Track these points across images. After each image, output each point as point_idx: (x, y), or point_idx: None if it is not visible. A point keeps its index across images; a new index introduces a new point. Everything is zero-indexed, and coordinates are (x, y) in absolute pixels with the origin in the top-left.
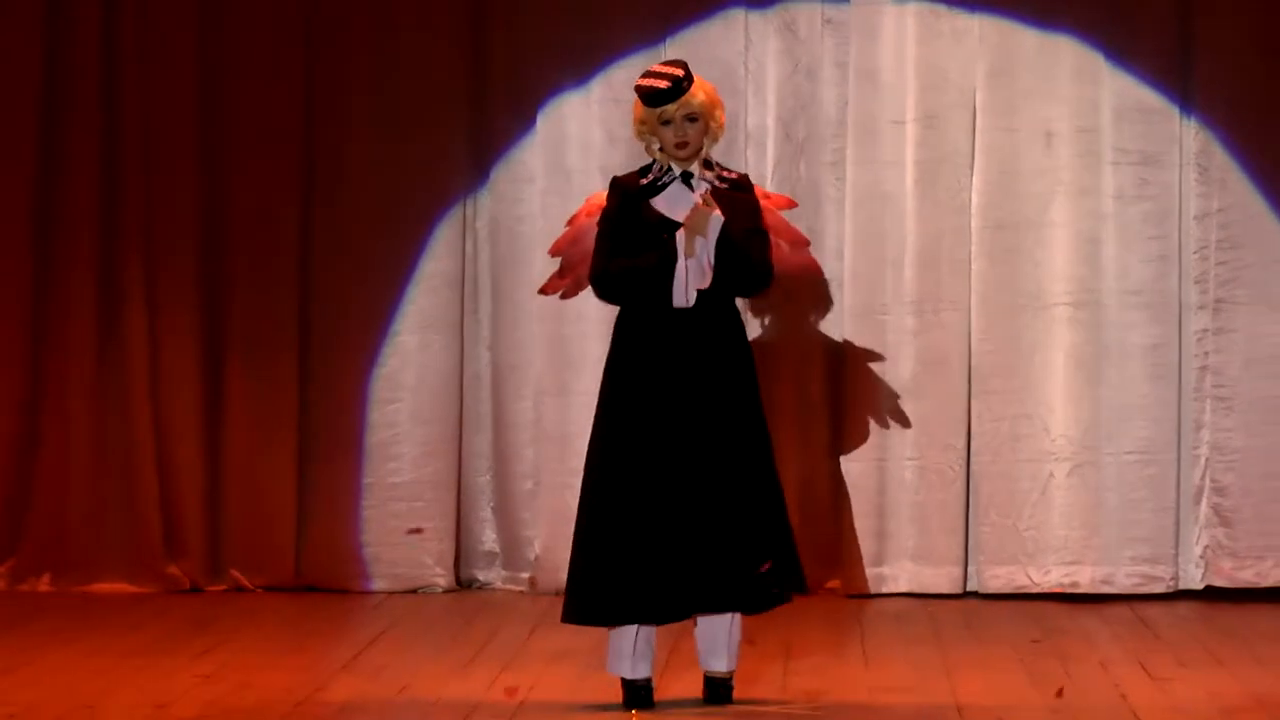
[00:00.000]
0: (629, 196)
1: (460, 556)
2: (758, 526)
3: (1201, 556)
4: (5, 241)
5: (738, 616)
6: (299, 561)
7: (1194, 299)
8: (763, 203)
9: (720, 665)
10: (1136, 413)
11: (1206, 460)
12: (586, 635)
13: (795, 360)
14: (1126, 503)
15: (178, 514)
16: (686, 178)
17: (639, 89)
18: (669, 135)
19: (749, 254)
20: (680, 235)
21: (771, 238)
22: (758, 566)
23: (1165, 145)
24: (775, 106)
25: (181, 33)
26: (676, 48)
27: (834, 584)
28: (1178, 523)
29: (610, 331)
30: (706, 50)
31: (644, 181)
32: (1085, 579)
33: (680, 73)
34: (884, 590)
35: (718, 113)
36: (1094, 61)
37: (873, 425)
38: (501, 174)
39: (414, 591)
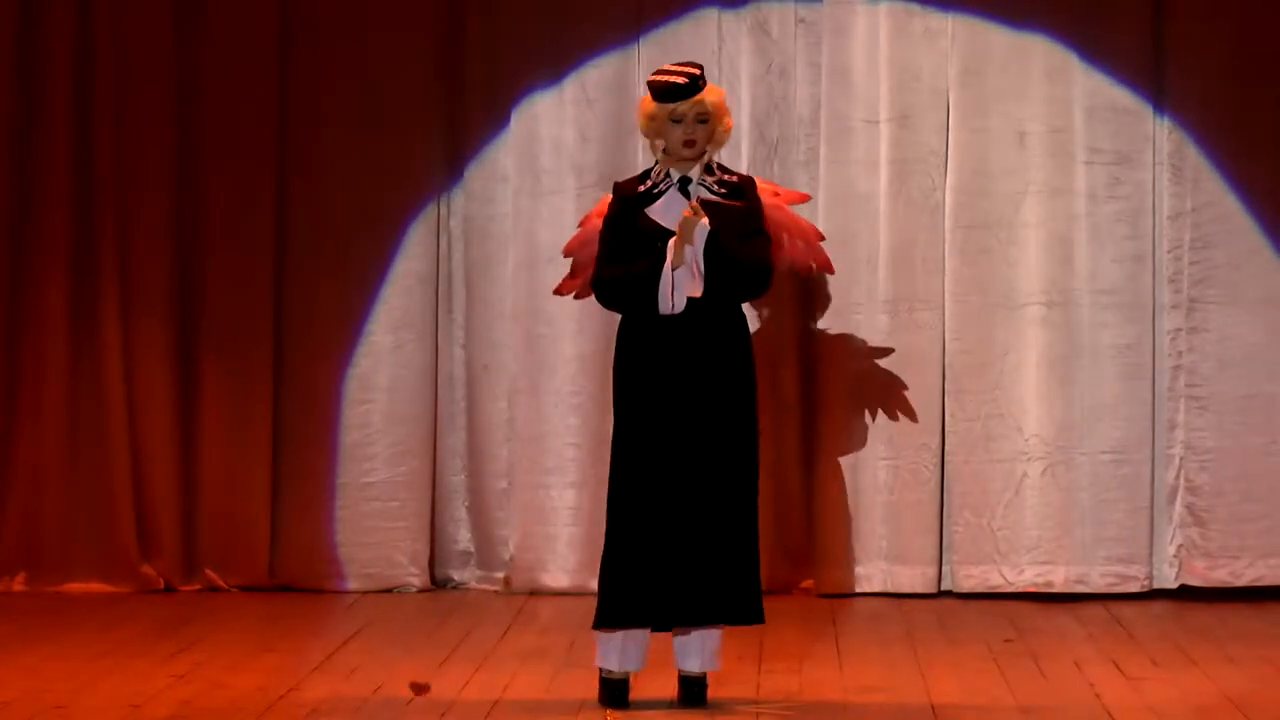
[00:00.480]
0: (627, 203)
1: (434, 556)
2: (727, 546)
3: (1175, 556)
4: None
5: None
6: (273, 561)
7: (1167, 299)
8: (772, 199)
9: (694, 666)
10: (1110, 412)
11: (1180, 460)
12: (561, 635)
13: (769, 359)
14: (1100, 502)
15: (152, 514)
16: (684, 184)
17: (653, 84)
18: (677, 134)
19: (739, 260)
20: (670, 244)
21: (777, 235)
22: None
23: (1138, 145)
24: (748, 106)
25: (155, 32)
26: (649, 47)
27: (808, 584)
28: (1152, 522)
29: (589, 332)
30: (679, 50)
31: (641, 188)
32: (1059, 579)
33: (697, 71)
34: (858, 590)
35: (726, 119)
36: (1067, 61)
37: (846, 425)
38: (475, 173)
39: (388, 591)
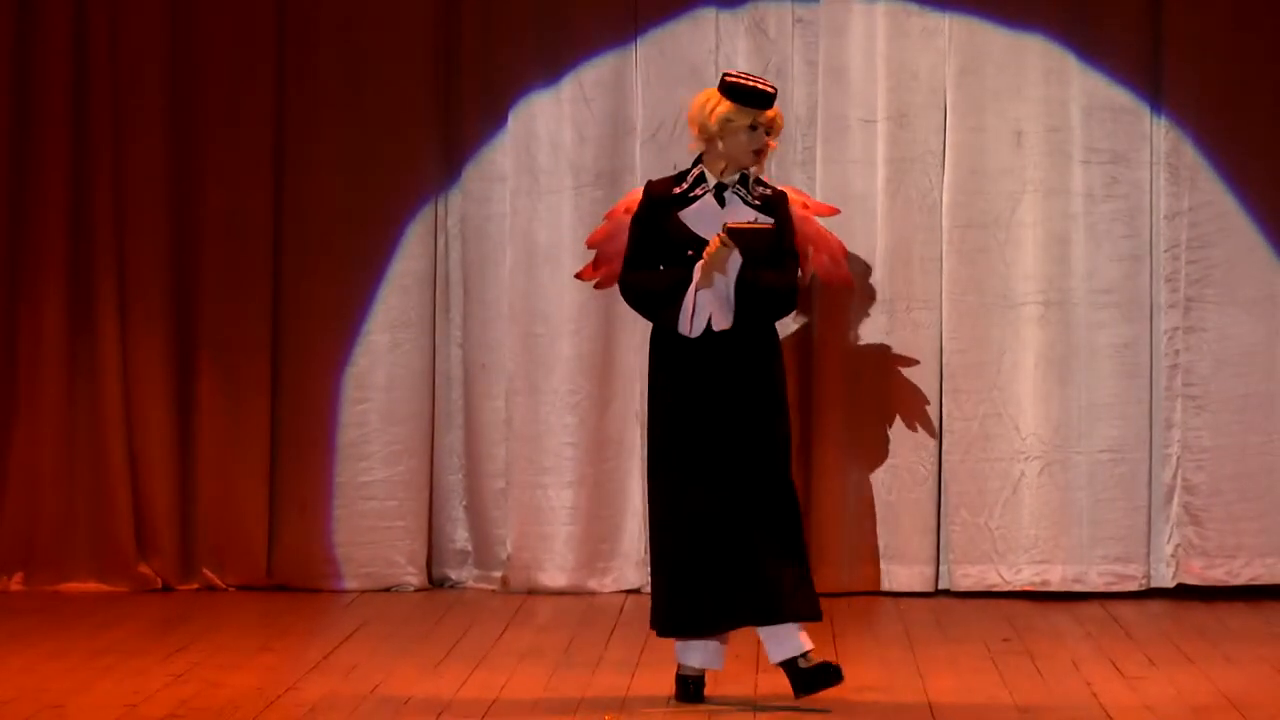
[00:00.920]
0: (659, 204)
1: (432, 555)
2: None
3: (1173, 555)
4: None
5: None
6: (271, 560)
7: (1164, 298)
8: (801, 212)
9: (781, 654)
10: (1107, 412)
11: (1177, 459)
12: (558, 634)
13: None
14: (1097, 502)
15: (149, 513)
16: (720, 190)
17: (738, 86)
18: (747, 141)
19: (768, 288)
20: (698, 268)
21: (803, 249)
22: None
23: (1135, 144)
24: None
25: (151, 35)
26: (647, 47)
27: None
28: (1149, 521)
29: (586, 331)
30: (676, 49)
31: (676, 191)
32: (1056, 578)
33: (773, 88)
34: (856, 589)
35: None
36: (1064, 61)
37: (843, 424)
38: (472, 173)
39: (386, 590)
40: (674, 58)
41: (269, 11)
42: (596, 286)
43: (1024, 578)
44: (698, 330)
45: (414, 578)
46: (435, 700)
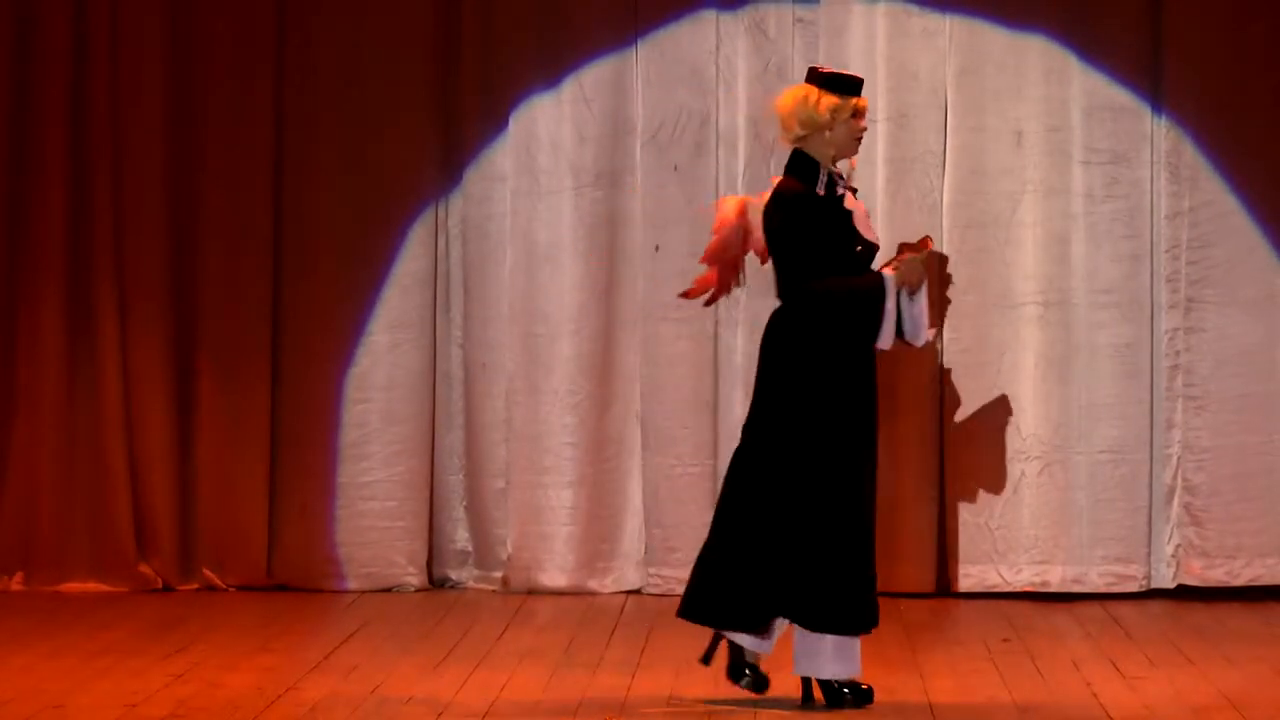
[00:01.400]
0: (819, 207)
1: (432, 555)
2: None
3: (1173, 556)
4: None
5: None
6: (271, 561)
7: (1165, 298)
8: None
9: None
10: (1107, 412)
11: (1178, 459)
12: (559, 634)
13: None
14: (1098, 502)
15: (149, 513)
16: (834, 182)
17: (839, 76)
18: (849, 129)
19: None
20: (891, 281)
21: None
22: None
23: (1136, 144)
24: (745, 106)
25: (151, 37)
26: (647, 48)
27: None
28: (1149, 522)
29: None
30: (677, 50)
31: (821, 191)
32: (1056, 578)
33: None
34: None
35: None
36: (1064, 61)
37: None
38: (473, 175)
39: (386, 591)
40: (674, 58)
41: (269, 11)
42: (706, 304)
43: (1024, 578)
44: (888, 344)
45: (414, 578)
46: (435, 700)
